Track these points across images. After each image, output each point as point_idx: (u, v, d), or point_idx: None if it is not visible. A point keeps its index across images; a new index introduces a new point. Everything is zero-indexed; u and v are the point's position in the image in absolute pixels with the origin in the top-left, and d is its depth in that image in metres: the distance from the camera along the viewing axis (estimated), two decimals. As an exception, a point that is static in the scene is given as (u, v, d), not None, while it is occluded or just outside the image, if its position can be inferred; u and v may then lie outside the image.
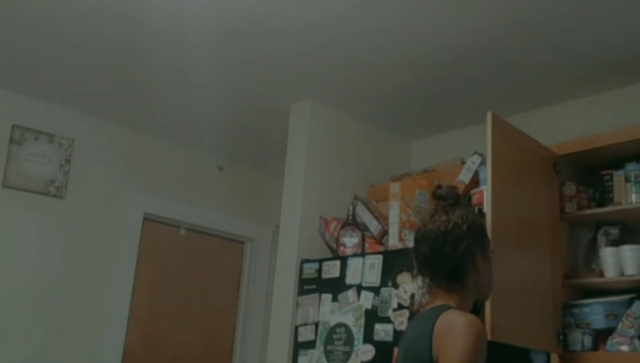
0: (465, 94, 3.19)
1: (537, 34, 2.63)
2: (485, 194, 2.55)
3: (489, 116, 2.51)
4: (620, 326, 2.53)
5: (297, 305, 3.05)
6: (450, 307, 1.68)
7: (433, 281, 1.77)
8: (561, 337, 2.62)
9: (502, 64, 2.88)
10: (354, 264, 2.85)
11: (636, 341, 2.49)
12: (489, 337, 2.32)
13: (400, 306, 2.59)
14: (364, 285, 2.77)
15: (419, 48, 2.80)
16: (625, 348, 2.49)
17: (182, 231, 4.14)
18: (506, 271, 2.38)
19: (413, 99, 3.31)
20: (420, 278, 1.81)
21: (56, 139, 3.59)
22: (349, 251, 3.00)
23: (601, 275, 2.64)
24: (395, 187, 2.96)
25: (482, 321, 2.30)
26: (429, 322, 1.65)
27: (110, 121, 3.79)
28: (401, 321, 2.56)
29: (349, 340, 2.74)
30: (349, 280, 2.84)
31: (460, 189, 2.77)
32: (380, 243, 3.02)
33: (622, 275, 2.56)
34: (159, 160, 4.00)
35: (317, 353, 2.86)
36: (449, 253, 1.74)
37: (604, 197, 2.76)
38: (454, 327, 1.60)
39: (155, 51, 2.96)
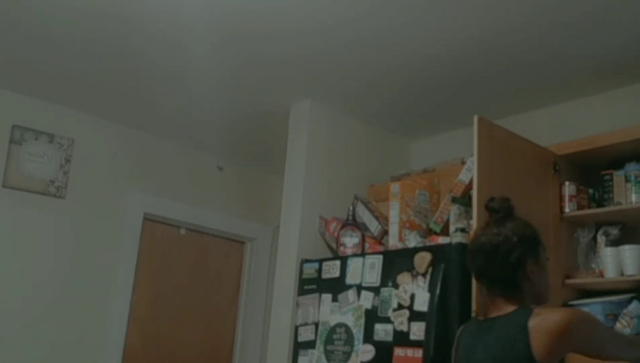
0: (466, 94, 3.19)
1: (537, 36, 2.63)
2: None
3: (475, 119, 2.49)
4: (617, 326, 2.53)
5: (297, 305, 3.04)
6: (530, 309, 1.77)
7: (490, 290, 1.88)
8: (561, 337, 2.62)
9: (502, 65, 2.88)
10: (354, 264, 2.84)
11: (634, 341, 2.48)
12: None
13: (400, 306, 2.58)
14: (364, 285, 2.77)
15: (419, 49, 2.80)
16: (624, 348, 2.48)
17: (182, 231, 4.14)
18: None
19: (413, 100, 3.31)
20: (480, 286, 1.93)
21: (56, 139, 3.59)
22: (349, 251, 2.99)
23: (601, 275, 2.64)
24: (395, 187, 2.96)
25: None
26: (518, 323, 1.74)
27: (110, 121, 3.79)
28: (401, 321, 2.55)
29: (349, 340, 2.74)
30: (349, 280, 2.83)
31: (460, 189, 2.77)
32: (380, 243, 3.01)
33: (622, 275, 2.55)
34: (159, 160, 4.00)
35: (317, 353, 2.86)
36: (500, 265, 1.84)
37: (604, 197, 2.75)
38: (570, 326, 1.70)
39: (155, 51, 2.96)
